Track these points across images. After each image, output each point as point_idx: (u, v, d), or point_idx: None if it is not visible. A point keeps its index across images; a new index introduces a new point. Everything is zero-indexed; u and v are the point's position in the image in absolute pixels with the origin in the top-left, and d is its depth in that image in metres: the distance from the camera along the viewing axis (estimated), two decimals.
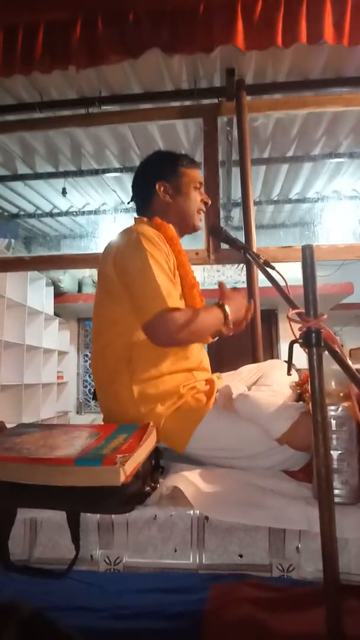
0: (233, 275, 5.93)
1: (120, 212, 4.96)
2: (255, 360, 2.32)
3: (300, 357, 0.95)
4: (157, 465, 1.18)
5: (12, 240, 5.11)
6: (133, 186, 1.68)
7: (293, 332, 0.90)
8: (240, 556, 0.97)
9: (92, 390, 1.58)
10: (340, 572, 0.79)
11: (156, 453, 1.18)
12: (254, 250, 2.41)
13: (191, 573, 0.97)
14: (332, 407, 1.06)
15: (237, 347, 2.31)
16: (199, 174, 1.65)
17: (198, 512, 0.99)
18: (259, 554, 0.97)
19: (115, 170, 4.01)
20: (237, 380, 1.55)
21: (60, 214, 5.26)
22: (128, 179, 4.20)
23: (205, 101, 2.74)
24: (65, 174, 4.14)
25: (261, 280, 1.99)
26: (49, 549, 1.00)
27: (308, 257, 0.87)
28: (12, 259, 3.37)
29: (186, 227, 1.62)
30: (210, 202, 1.67)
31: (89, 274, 6.09)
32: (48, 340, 5.57)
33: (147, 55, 2.15)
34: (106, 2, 2.14)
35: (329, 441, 0.96)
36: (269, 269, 1.31)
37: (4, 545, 0.98)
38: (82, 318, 6.75)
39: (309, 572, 0.95)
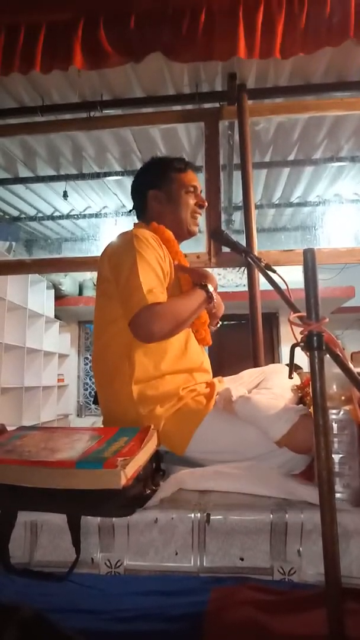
0: (234, 278, 5.93)
1: (122, 215, 4.97)
2: (256, 363, 2.32)
3: (302, 361, 0.95)
4: (158, 468, 1.18)
5: (13, 243, 5.12)
6: (131, 194, 1.71)
7: (294, 336, 0.90)
8: (242, 559, 0.97)
9: (93, 393, 1.58)
10: (341, 575, 0.79)
11: (157, 456, 1.18)
12: (255, 253, 2.41)
13: (192, 576, 0.97)
14: (334, 411, 1.06)
15: (238, 350, 2.32)
16: (192, 177, 1.64)
17: (199, 514, 0.99)
18: (260, 556, 0.96)
19: (117, 173, 4.02)
20: (238, 383, 1.55)
21: (61, 217, 5.27)
22: (129, 182, 4.15)
23: (207, 105, 2.74)
24: (67, 177, 4.15)
25: (262, 283, 1.99)
26: (50, 551, 1.00)
27: (309, 261, 0.88)
28: (13, 261, 3.38)
29: (181, 233, 1.62)
30: (206, 204, 1.67)
31: (90, 277, 6.10)
32: (49, 343, 5.58)
33: (149, 59, 2.16)
34: (108, 5, 2.15)
35: (331, 444, 0.96)
36: (270, 273, 1.31)
37: (4, 548, 0.97)
38: (83, 321, 6.76)
39: (310, 575, 0.95)
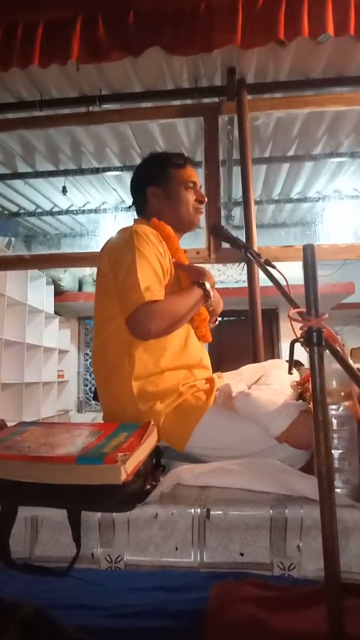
0: (234, 274, 5.92)
1: (121, 210, 4.96)
2: (255, 359, 2.32)
3: (302, 357, 0.95)
4: (158, 463, 1.18)
5: (13, 239, 5.12)
6: (130, 190, 1.70)
7: (294, 332, 0.90)
8: (241, 554, 0.97)
9: (93, 389, 1.58)
10: (341, 570, 0.80)
11: (157, 452, 1.18)
12: (255, 249, 2.41)
13: (192, 571, 0.97)
14: (333, 407, 1.06)
15: (238, 346, 2.32)
16: (191, 172, 1.63)
17: (199, 510, 0.99)
18: (260, 552, 0.97)
19: (116, 168, 4.01)
20: (238, 379, 1.55)
21: (60, 213, 5.26)
22: (128, 178, 4.15)
23: (206, 100, 2.73)
24: (66, 173, 4.14)
25: (262, 279, 1.99)
26: (50, 547, 1.00)
27: (309, 257, 0.87)
28: (13, 257, 3.37)
29: (183, 226, 1.61)
30: (206, 200, 1.66)
31: (90, 273, 6.09)
32: (48, 338, 5.57)
33: (148, 53, 2.15)
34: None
35: (330, 440, 0.97)
36: (270, 268, 1.31)
37: (5, 543, 0.97)
38: (83, 317, 6.75)
39: (310, 571, 0.95)
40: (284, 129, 3.35)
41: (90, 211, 5.19)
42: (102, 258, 1.48)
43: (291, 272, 1.27)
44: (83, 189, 4.65)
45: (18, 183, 4.43)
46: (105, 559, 0.99)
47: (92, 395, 6.32)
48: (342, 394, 1.09)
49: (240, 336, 2.81)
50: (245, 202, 2.56)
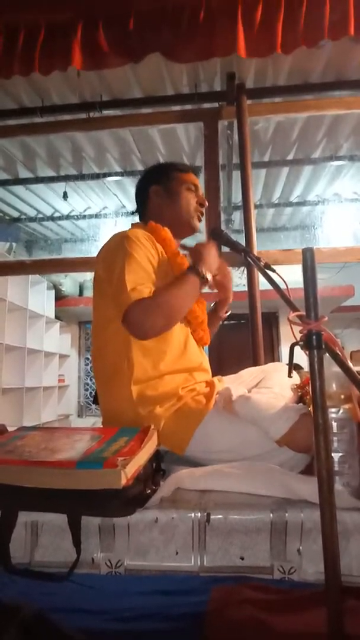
0: (234, 278, 5.92)
1: (122, 215, 4.97)
2: (256, 363, 2.32)
3: (302, 360, 0.95)
4: (158, 468, 1.18)
5: (14, 244, 5.13)
6: (135, 195, 1.73)
7: (294, 335, 0.90)
8: (242, 558, 0.97)
9: (93, 392, 1.58)
10: (341, 573, 0.79)
11: (157, 456, 1.18)
12: (255, 253, 2.41)
13: (192, 575, 0.97)
14: (333, 410, 1.06)
15: (238, 350, 2.31)
16: (193, 178, 1.66)
17: (199, 514, 0.99)
18: (260, 555, 0.96)
19: (117, 174, 4.02)
20: (238, 383, 1.55)
21: (61, 218, 5.27)
22: (129, 183, 4.22)
23: (206, 105, 2.75)
24: (66, 178, 4.15)
25: (262, 283, 1.99)
26: (50, 552, 1.00)
27: (309, 260, 0.88)
28: (14, 262, 3.38)
29: (182, 227, 1.62)
30: (207, 204, 1.68)
31: (90, 278, 6.05)
32: (49, 343, 5.58)
33: (148, 59, 2.17)
34: (107, 5, 2.15)
35: (330, 443, 0.97)
36: (269, 272, 1.31)
37: (5, 548, 0.97)
38: (83, 321, 6.76)
39: (311, 574, 0.95)
40: (283, 133, 3.37)
41: (91, 216, 5.20)
42: (97, 262, 1.50)
43: (291, 276, 1.27)
44: (84, 194, 4.66)
45: (19, 189, 4.45)
46: (105, 564, 0.98)
47: (92, 399, 6.32)
48: (342, 397, 1.09)
49: (241, 340, 2.81)
50: (245, 206, 2.56)
